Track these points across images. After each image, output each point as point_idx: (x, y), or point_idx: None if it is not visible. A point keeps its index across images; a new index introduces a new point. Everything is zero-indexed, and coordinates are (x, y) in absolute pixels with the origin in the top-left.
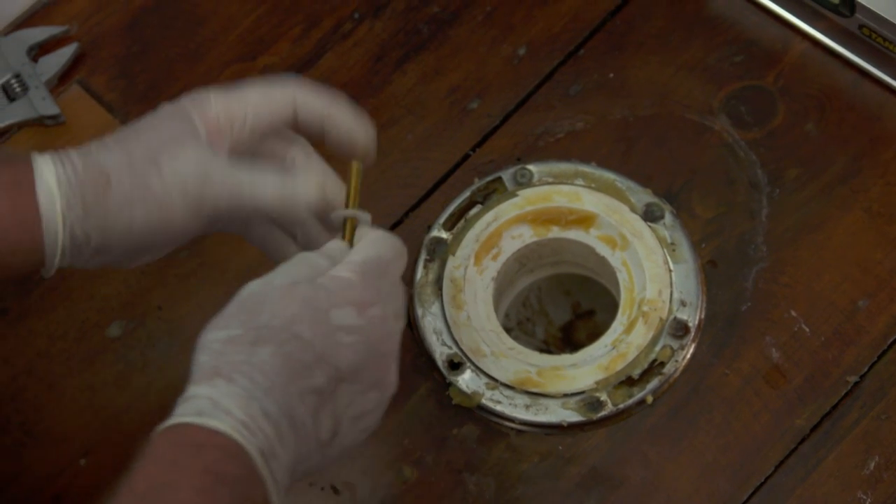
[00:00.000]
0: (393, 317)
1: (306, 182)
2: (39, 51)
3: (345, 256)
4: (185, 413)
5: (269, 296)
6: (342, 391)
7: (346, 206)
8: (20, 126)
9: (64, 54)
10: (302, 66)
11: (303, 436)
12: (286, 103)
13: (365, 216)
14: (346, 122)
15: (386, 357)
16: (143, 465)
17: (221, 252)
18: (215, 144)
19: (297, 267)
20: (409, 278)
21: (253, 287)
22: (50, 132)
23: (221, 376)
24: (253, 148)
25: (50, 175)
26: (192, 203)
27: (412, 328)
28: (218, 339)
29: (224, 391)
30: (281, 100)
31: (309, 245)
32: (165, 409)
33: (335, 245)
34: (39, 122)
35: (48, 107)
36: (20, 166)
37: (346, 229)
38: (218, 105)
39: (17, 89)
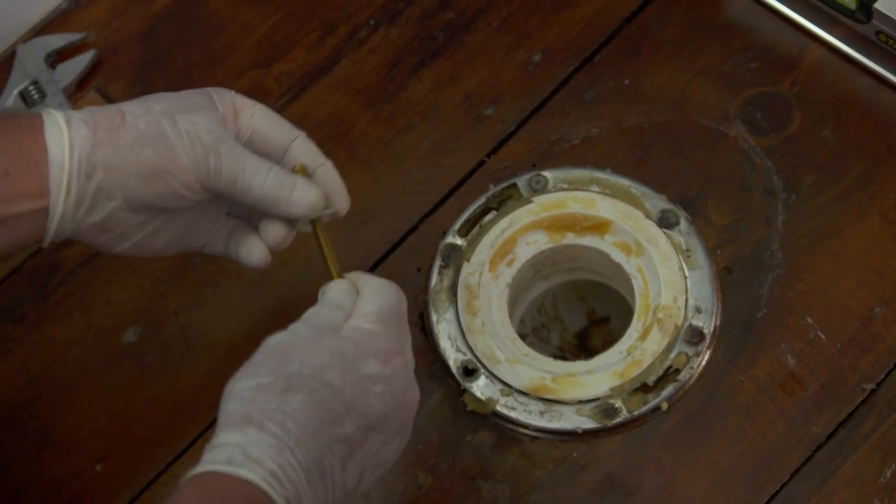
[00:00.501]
0: (411, 363)
1: (308, 191)
2: (57, 58)
3: (353, 303)
4: (214, 461)
5: (297, 345)
6: (370, 440)
7: (332, 274)
8: None
9: (81, 61)
10: (318, 73)
11: (330, 484)
12: (288, 134)
13: (354, 277)
14: (335, 180)
15: (410, 405)
16: None
17: None
18: (227, 122)
19: (316, 321)
20: (423, 284)
21: (278, 338)
22: None
23: (253, 424)
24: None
25: (59, 116)
26: (199, 161)
27: (426, 334)
28: (248, 387)
29: (255, 439)
30: (285, 128)
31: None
32: (180, 414)
33: (340, 290)
34: None
35: None
36: (29, 115)
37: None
38: (235, 97)
39: (36, 96)
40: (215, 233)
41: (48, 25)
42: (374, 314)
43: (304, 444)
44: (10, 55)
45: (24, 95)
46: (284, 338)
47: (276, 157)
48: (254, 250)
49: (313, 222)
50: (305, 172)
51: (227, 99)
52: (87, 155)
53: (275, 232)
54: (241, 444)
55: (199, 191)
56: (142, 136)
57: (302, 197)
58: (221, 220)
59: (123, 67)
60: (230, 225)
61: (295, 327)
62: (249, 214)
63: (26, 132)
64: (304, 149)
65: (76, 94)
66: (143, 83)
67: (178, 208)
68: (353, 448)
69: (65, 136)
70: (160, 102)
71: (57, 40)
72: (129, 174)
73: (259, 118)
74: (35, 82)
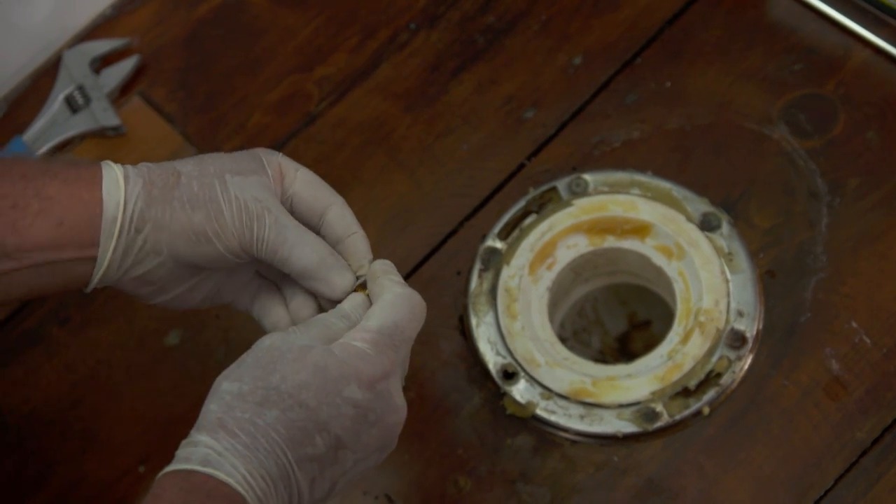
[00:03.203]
0: (400, 386)
1: (345, 276)
2: (101, 63)
3: (362, 314)
4: (191, 459)
5: (283, 356)
6: (343, 458)
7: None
8: (82, 137)
9: (125, 67)
10: (359, 77)
11: (296, 496)
12: (327, 200)
13: (384, 266)
14: (362, 249)
15: (392, 427)
16: None
17: None
18: (275, 184)
19: (315, 328)
20: (463, 288)
21: (271, 341)
22: (111, 143)
23: (226, 430)
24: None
25: (118, 170)
26: (245, 228)
27: (466, 338)
28: (230, 391)
29: (226, 446)
30: (325, 194)
31: (294, 309)
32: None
33: (353, 302)
34: (101, 134)
35: (110, 118)
36: (89, 167)
37: (358, 283)
38: (281, 159)
39: (80, 101)
40: (244, 291)
41: (93, 32)
42: (372, 331)
43: (271, 460)
44: (56, 61)
45: (69, 100)
46: (276, 342)
47: (313, 221)
48: (279, 322)
49: None
50: (363, 289)
51: (275, 161)
52: (140, 211)
53: (300, 306)
54: (214, 448)
55: (241, 255)
56: (195, 197)
57: (338, 281)
58: (251, 278)
59: (166, 73)
60: (258, 284)
61: (292, 330)
62: (278, 277)
63: (85, 183)
64: (339, 215)
65: (120, 100)
66: (185, 88)
67: (219, 268)
68: (323, 466)
69: (121, 191)
70: (214, 164)
71: (101, 46)
72: (178, 234)
73: (299, 183)
74: (80, 87)
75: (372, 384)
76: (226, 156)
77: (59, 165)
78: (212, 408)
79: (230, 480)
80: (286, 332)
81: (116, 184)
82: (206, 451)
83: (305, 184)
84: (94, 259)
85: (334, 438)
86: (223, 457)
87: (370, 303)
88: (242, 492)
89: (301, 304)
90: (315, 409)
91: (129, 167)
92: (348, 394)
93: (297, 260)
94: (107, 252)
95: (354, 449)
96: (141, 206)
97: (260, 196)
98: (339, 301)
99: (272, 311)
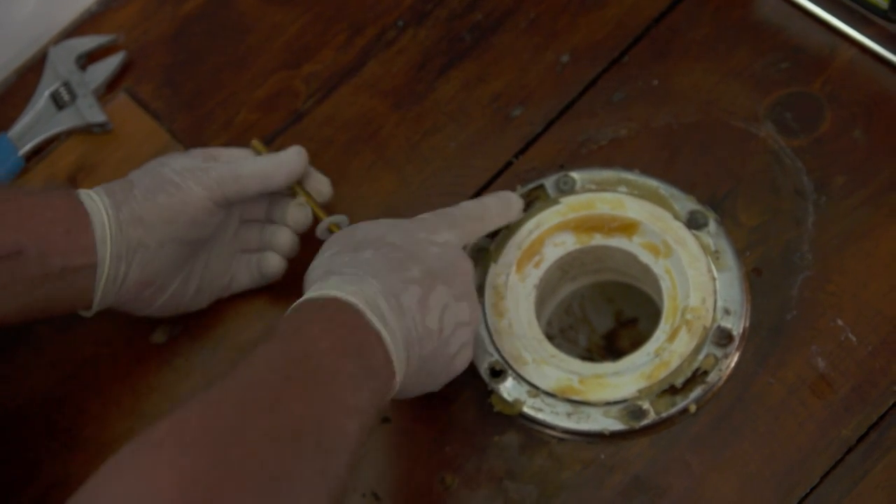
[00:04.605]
0: (459, 243)
1: (287, 152)
2: (88, 59)
3: None
4: (319, 289)
5: (358, 226)
6: (439, 290)
7: (320, 217)
8: (68, 134)
9: (111, 63)
10: (346, 74)
11: (410, 318)
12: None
13: (344, 219)
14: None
15: (465, 270)
16: (278, 324)
17: None
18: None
19: None
20: None
21: (340, 231)
22: (97, 140)
23: (333, 273)
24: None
25: (84, 192)
26: (202, 184)
27: None
28: (324, 257)
29: (336, 282)
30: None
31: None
32: None
33: None
34: (87, 130)
35: (96, 115)
36: (61, 190)
37: (331, 230)
38: (209, 150)
39: (66, 97)
40: (236, 267)
41: (79, 28)
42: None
43: (378, 279)
44: (42, 57)
45: (55, 97)
46: (345, 229)
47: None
48: (271, 261)
49: (297, 186)
50: (262, 147)
51: (200, 150)
52: (115, 214)
53: (293, 214)
54: (324, 286)
55: (212, 208)
56: (149, 188)
57: (286, 155)
58: (237, 254)
59: (153, 69)
60: (246, 258)
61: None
62: (261, 243)
63: (72, 197)
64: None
65: (106, 96)
66: (171, 85)
67: (202, 237)
68: (425, 291)
69: (97, 202)
70: (154, 162)
71: (87, 42)
72: (153, 221)
73: (227, 154)
74: (66, 84)
75: (435, 231)
76: (161, 157)
77: (44, 188)
78: (315, 265)
79: (340, 294)
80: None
81: (91, 198)
82: (318, 290)
83: (235, 154)
84: (94, 265)
85: (424, 265)
86: (339, 288)
87: None
88: (352, 299)
89: (293, 214)
90: (401, 245)
91: (87, 191)
92: (422, 236)
93: (250, 168)
94: (105, 253)
95: (445, 282)
96: (115, 210)
97: (196, 162)
98: (295, 177)
99: (263, 259)
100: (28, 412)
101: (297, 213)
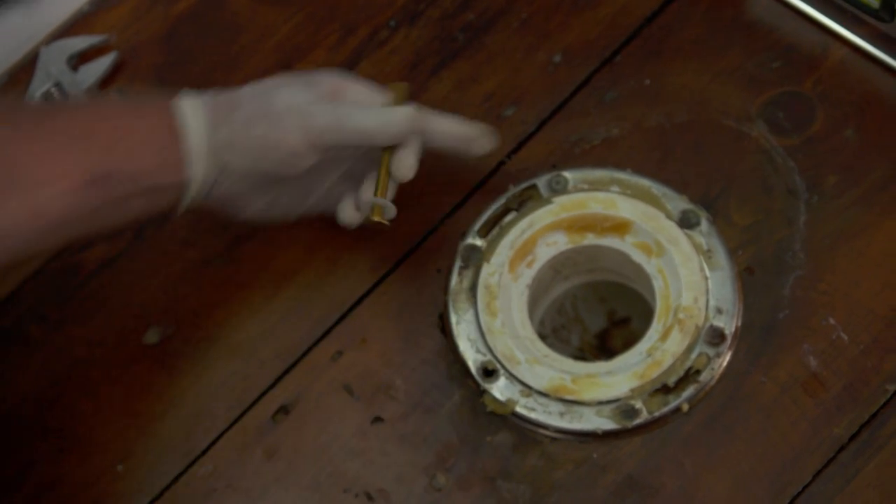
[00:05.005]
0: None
1: (399, 111)
2: (79, 59)
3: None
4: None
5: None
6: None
7: (376, 192)
8: None
9: (103, 63)
10: None
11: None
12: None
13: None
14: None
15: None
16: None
17: (256, 259)
18: (329, 96)
19: None
20: (443, 285)
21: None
22: None
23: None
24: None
25: (190, 101)
26: (303, 127)
27: (446, 335)
28: None
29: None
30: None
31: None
32: (201, 414)
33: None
34: None
35: None
36: (167, 100)
37: (373, 212)
38: (338, 77)
39: (58, 98)
40: (329, 196)
41: (70, 28)
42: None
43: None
44: (33, 57)
45: (46, 97)
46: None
47: None
48: (347, 210)
49: (387, 151)
50: (403, 93)
51: (331, 79)
52: (210, 136)
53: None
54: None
55: (307, 154)
56: (252, 115)
57: (399, 115)
58: (335, 183)
59: (145, 69)
60: (343, 188)
61: None
62: (344, 186)
63: (169, 113)
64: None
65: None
66: (163, 85)
67: (293, 175)
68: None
69: (196, 121)
70: (268, 82)
71: (79, 42)
72: (244, 150)
73: (357, 97)
74: (57, 84)
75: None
76: (282, 76)
77: (143, 99)
78: None
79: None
80: None
81: (191, 112)
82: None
83: (362, 95)
84: (185, 182)
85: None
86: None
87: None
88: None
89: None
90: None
91: (192, 95)
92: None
93: (364, 118)
94: (196, 173)
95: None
96: (211, 130)
97: (308, 99)
98: (406, 135)
99: (345, 209)
100: (20, 413)
101: (359, 208)
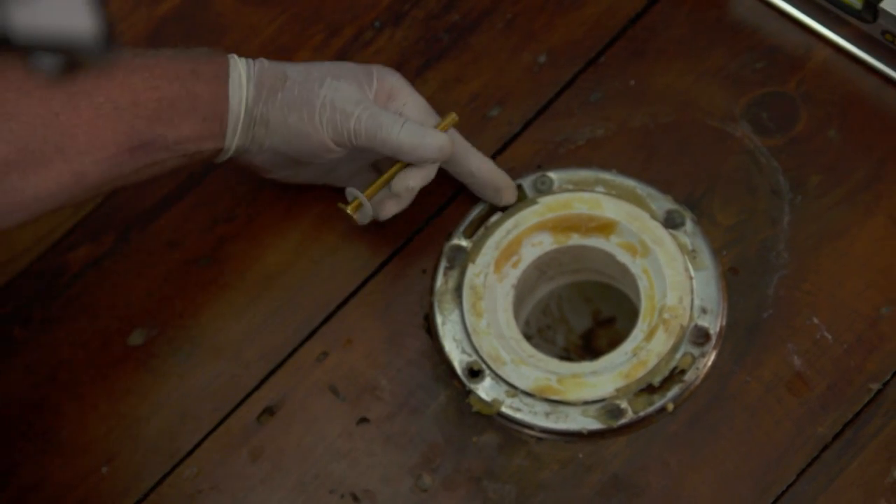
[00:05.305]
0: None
1: (436, 138)
2: None
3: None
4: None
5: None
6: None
7: (366, 190)
8: None
9: None
10: None
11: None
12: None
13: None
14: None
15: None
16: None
17: (242, 260)
18: (378, 100)
19: None
20: (428, 286)
21: None
22: None
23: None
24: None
25: (242, 66)
26: (336, 125)
27: (431, 336)
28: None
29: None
30: (432, 121)
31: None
32: (186, 416)
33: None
34: None
35: None
36: (219, 61)
37: (350, 204)
38: (396, 78)
39: None
40: (356, 179)
41: None
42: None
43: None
44: None
45: None
46: None
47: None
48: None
49: (401, 162)
50: (453, 122)
51: (388, 79)
52: (250, 110)
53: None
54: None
55: (335, 149)
56: (294, 100)
57: (433, 142)
58: (362, 169)
59: None
60: (369, 175)
61: None
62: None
63: (220, 82)
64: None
65: None
66: None
67: (318, 162)
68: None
69: (243, 90)
70: (320, 69)
71: None
72: (276, 131)
73: (409, 108)
74: None
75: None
76: (336, 64)
77: (201, 63)
78: None
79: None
80: None
81: (239, 83)
82: None
83: (414, 108)
84: (220, 150)
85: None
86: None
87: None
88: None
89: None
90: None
91: (249, 64)
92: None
93: (395, 136)
94: (232, 144)
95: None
96: (251, 105)
97: (353, 98)
98: (438, 162)
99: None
100: (4, 414)
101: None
